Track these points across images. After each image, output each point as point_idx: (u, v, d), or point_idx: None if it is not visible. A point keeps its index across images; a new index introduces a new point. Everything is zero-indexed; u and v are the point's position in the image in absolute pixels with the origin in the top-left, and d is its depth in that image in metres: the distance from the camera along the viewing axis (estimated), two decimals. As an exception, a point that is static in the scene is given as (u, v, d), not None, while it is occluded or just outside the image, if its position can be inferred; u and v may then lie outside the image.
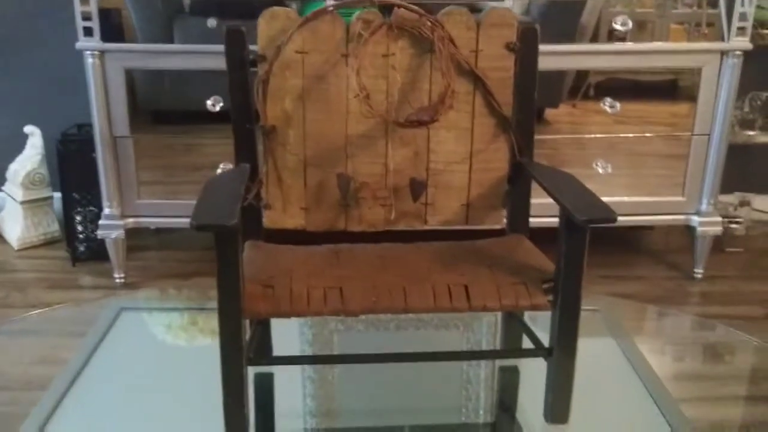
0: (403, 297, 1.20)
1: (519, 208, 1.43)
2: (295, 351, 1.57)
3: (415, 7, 1.32)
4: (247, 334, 1.21)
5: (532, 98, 1.39)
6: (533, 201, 1.43)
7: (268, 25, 1.33)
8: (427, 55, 1.35)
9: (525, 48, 1.36)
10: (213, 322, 1.69)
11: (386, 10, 1.32)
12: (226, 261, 1.11)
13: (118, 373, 1.51)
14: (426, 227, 1.43)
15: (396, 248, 1.37)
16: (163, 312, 1.85)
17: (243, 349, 1.15)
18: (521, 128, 1.39)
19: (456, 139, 1.39)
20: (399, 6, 1.31)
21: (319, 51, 1.34)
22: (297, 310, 1.18)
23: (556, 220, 1.20)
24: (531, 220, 1.44)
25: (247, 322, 1.22)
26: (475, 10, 1.39)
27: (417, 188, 1.38)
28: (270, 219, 1.39)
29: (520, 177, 1.40)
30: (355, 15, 1.33)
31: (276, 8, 1.33)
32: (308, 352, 1.61)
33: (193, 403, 1.38)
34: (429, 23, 1.32)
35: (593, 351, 1.47)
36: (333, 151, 1.38)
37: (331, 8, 1.33)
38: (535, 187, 1.37)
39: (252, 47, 1.34)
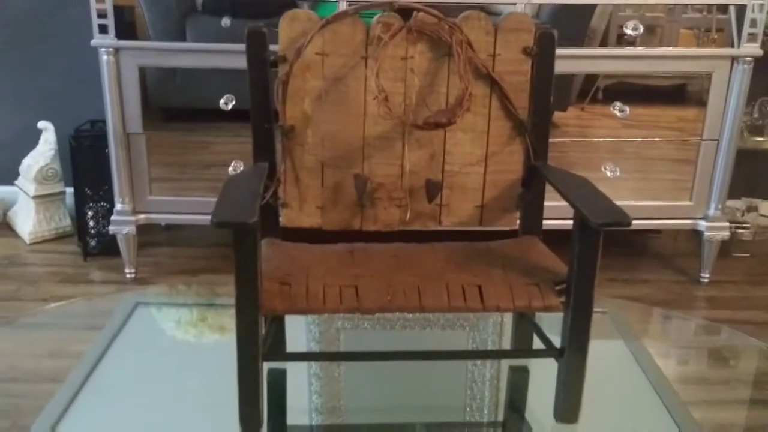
0: (417, 296, 1.21)
1: (532, 210, 1.44)
2: (302, 347, 1.58)
3: (435, 11, 1.33)
4: (262, 331, 1.23)
5: (548, 102, 1.40)
6: (545, 203, 1.44)
7: (289, 26, 1.34)
8: (445, 58, 1.36)
9: (542, 53, 1.37)
10: (225, 317, 1.71)
11: (405, 13, 1.33)
12: (245, 258, 1.12)
13: (134, 367, 1.52)
14: (440, 228, 1.44)
15: (410, 248, 1.38)
16: (179, 307, 1.85)
17: (259, 345, 1.16)
18: (536, 132, 1.40)
19: (472, 142, 1.40)
20: (418, 10, 1.33)
21: (338, 53, 1.35)
22: (313, 307, 1.20)
23: (568, 222, 1.22)
24: (543, 221, 1.46)
25: (262, 318, 1.23)
26: (485, 12, 1.39)
27: (432, 189, 1.39)
28: (287, 217, 1.41)
29: (534, 180, 1.42)
30: (375, 18, 1.34)
31: (297, 10, 1.35)
32: (315, 348, 1.61)
33: (209, 397, 1.39)
34: (447, 27, 1.33)
35: (603, 352, 1.47)
36: (350, 152, 1.39)
37: (351, 11, 1.34)
38: (547, 189, 1.39)
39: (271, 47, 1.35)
